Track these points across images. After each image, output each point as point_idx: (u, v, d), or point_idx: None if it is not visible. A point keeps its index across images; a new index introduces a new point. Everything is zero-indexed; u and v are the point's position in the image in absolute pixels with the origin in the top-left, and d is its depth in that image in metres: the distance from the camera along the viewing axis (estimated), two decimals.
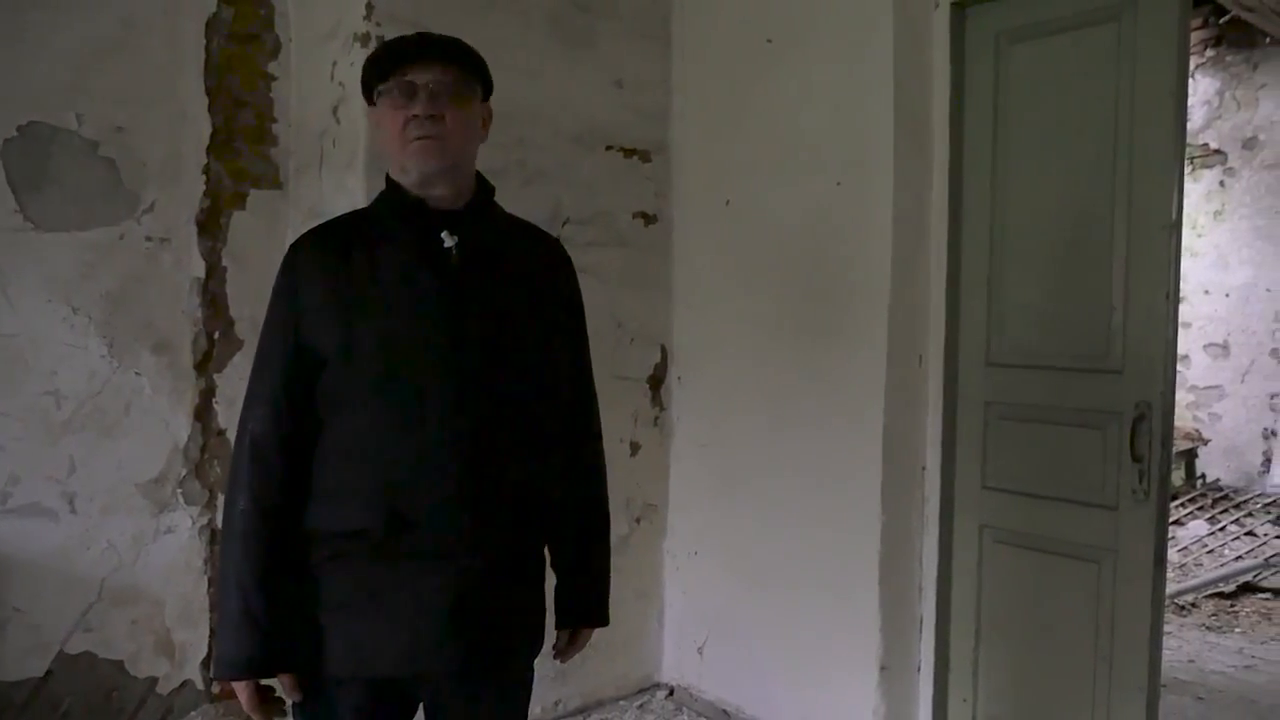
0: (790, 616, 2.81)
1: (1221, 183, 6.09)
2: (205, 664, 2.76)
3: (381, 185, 1.49)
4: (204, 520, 2.74)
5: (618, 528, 3.11)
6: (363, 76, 1.44)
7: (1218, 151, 6.10)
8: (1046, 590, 2.40)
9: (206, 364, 2.73)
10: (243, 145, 2.77)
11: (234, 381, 2.72)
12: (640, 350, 3.12)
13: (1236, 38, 5.97)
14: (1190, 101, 6.25)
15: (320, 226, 1.50)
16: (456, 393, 1.38)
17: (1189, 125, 6.35)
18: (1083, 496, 2.32)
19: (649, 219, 3.12)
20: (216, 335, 2.74)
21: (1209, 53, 6.11)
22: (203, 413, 2.73)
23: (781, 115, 2.79)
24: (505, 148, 2.74)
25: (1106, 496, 2.28)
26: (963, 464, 2.56)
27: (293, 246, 1.46)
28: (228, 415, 2.74)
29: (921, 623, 2.61)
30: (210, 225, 2.72)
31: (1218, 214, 6.13)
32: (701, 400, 3.12)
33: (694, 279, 3.13)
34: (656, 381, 3.17)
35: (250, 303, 2.75)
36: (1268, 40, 5.81)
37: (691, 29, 3.09)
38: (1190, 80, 6.21)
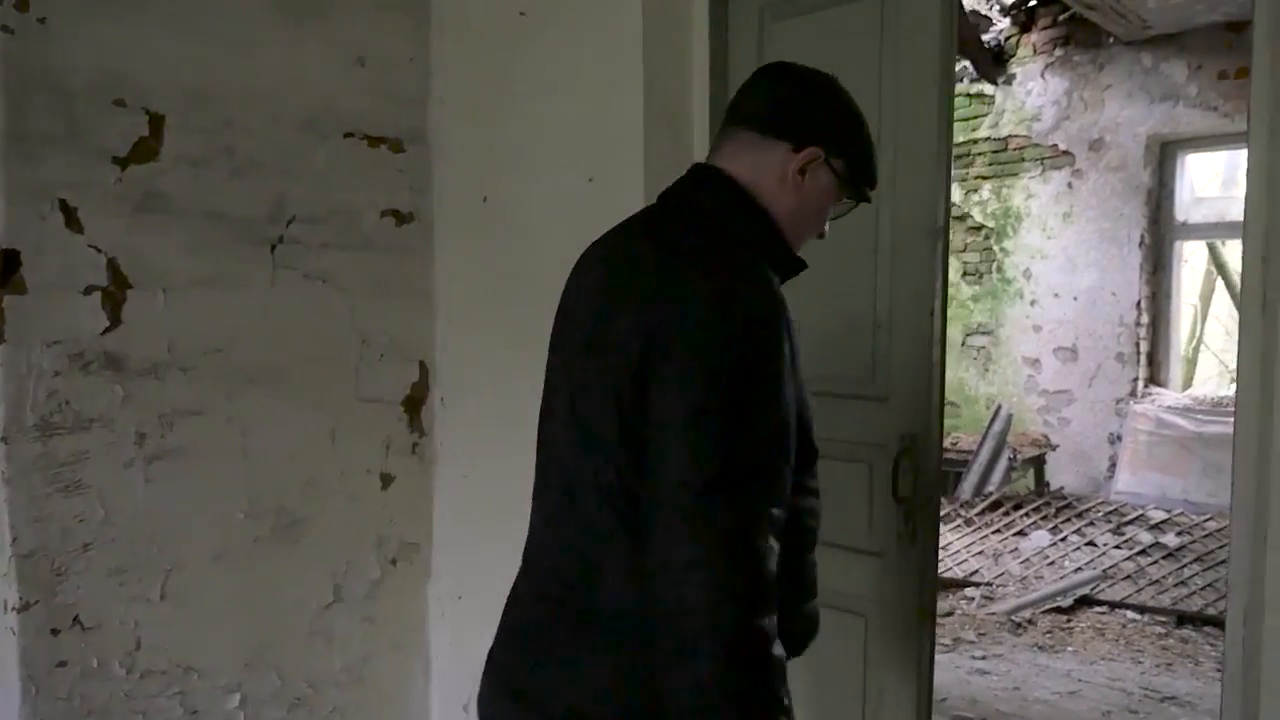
0: None
1: (1070, 185, 6.02)
2: None
3: None
4: None
5: (369, 571, 2.75)
6: (861, 159, 1.28)
7: (1066, 153, 6.03)
8: (814, 646, 2.10)
9: None
10: None
11: None
12: (393, 368, 2.73)
13: (1084, 37, 5.90)
14: (1039, 102, 6.18)
15: (763, 265, 1.21)
16: None
17: (1039, 126, 6.30)
18: (851, 541, 2.03)
19: (403, 218, 2.72)
20: None
21: (1057, 52, 6.03)
22: None
23: (535, 101, 2.43)
24: (206, 132, 2.31)
25: (873, 541, 1.99)
26: None
27: (774, 288, 1.18)
28: None
29: None
30: None
31: (1066, 216, 6.06)
32: (467, 424, 2.75)
33: (457, 287, 2.74)
34: (415, 404, 2.78)
35: None
36: (1112, 40, 5.75)
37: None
38: (1039, 79, 6.13)
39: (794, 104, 1.25)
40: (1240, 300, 1.48)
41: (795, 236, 1.28)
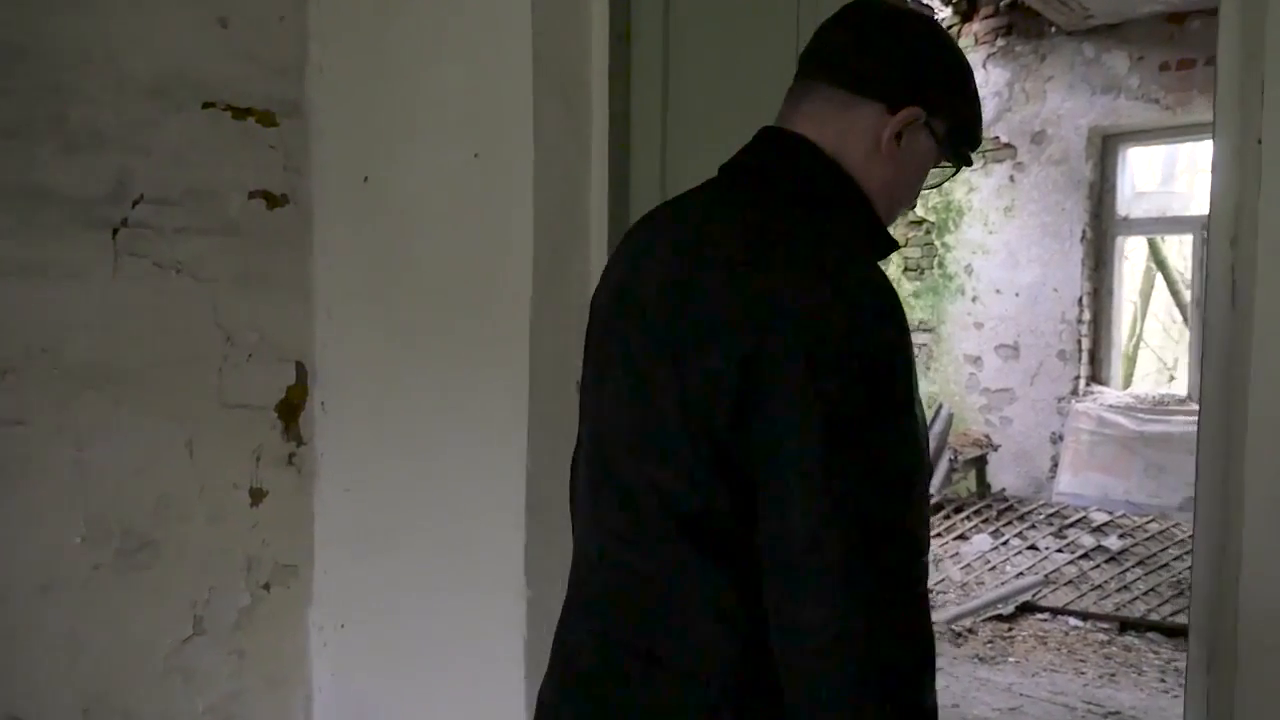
0: (437, 709, 2.20)
1: (1011, 178, 5.89)
2: None
3: None
4: None
5: (236, 599, 2.45)
6: (967, 119, 1.06)
7: (1008, 145, 5.89)
8: None
9: None
10: None
11: None
12: (264, 370, 2.42)
13: (1025, 27, 5.77)
14: (981, 93, 6.01)
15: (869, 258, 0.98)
16: None
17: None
18: None
19: (275, 200, 2.42)
20: None
21: (999, 42, 5.89)
22: None
23: (417, 68, 2.15)
24: (31, 97, 2.00)
25: None
26: None
27: (890, 290, 0.92)
28: None
29: None
30: None
31: (1008, 210, 5.92)
32: (351, 432, 2.45)
33: (339, 277, 2.45)
34: (291, 409, 2.48)
35: None
36: (1054, 30, 5.62)
37: None
38: (981, 70, 5.98)
39: (888, 54, 1.01)
40: (1206, 292, 1.27)
41: (887, 212, 1.05)
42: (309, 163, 2.46)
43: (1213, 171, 1.26)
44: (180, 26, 2.23)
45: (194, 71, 2.25)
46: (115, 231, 2.13)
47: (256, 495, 2.42)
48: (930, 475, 0.96)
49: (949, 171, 1.11)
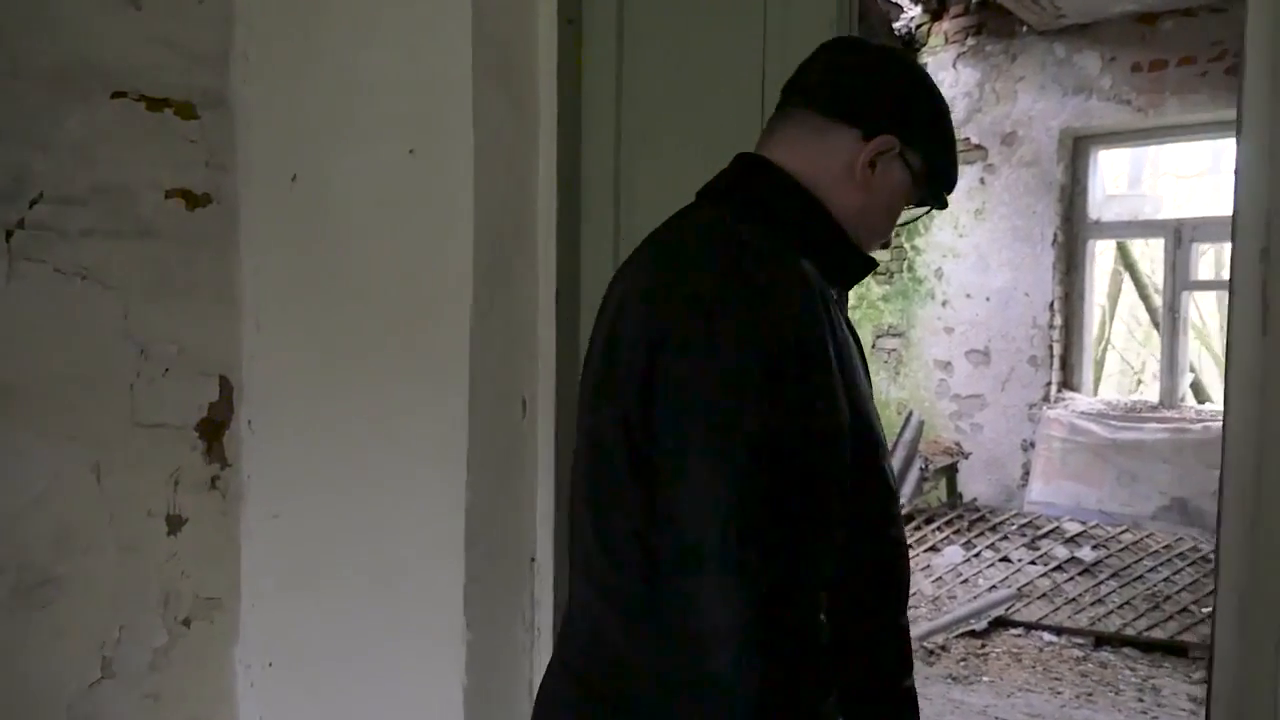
0: None
1: (982, 180, 5.77)
2: None
3: None
4: None
5: (152, 637, 2.23)
6: (941, 156, 1.07)
7: (979, 147, 5.78)
8: None
9: None
10: None
11: None
12: (183, 386, 2.20)
13: (996, 26, 5.66)
14: (951, 93, 5.91)
15: (797, 258, 0.96)
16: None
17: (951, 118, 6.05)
18: None
19: (196, 199, 2.21)
20: None
21: (969, 41, 5.77)
22: None
23: (348, 54, 1.96)
24: None
25: None
26: None
27: (804, 270, 0.94)
28: None
29: None
30: None
31: (979, 213, 5.81)
32: (280, 454, 2.25)
33: (268, 285, 2.24)
34: (214, 428, 2.26)
35: None
36: (1025, 30, 5.52)
37: None
38: (951, 70, 5.87)
39: (865, 82, 1.04)
40: (1228, 314, 1.11)
41: (861, 239, 1.06)
42: (234, 159, 2.25)
43: (1236, 175, 1.10)
44: (85, 7, 2.02)
45: (102, 57, 2.04)
46: (10, 234, 1.92)
47: (174, 523, 2.21)
48: (874, 471, 0.91)
49: (921, 210, 1.11)
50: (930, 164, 1.04)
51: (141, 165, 2.11)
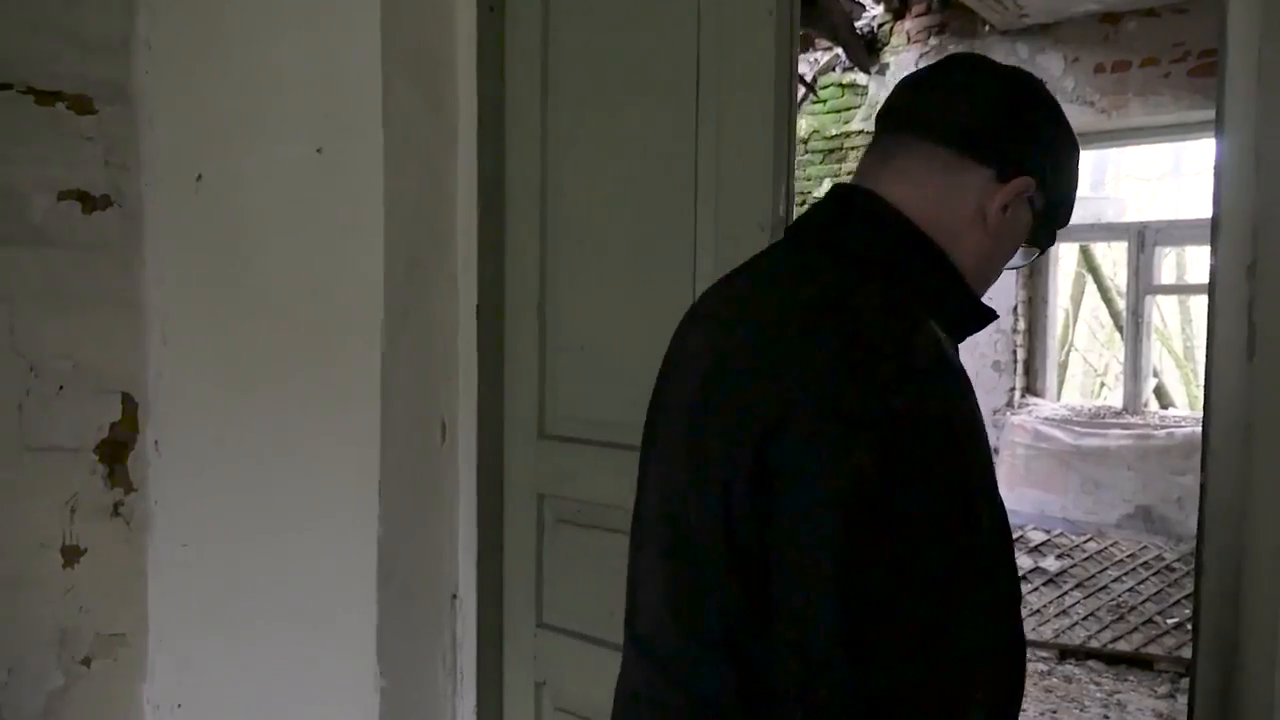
0: None
1: None
2: None
3: None
4: None
5: (45, 680, 2.05)
6: (1068, 198, 0.96)
7: None
8: None
9: None
10: None
11: None
12: (80, 404, 2.02)
13: (959, 26, 5.57)
14: None
15: (927, 320, 0.83)
16: None
17: None
18: None
19: (93, 202, 2.02)
20: None
21: (932, 41, 5.68)
22: None
23: (253, 43, 1.79)
24: None
25: None
26: (512, 591, 1.67)
27: (943, 346, 0.82)
28: None
29: None
30: None
31: None
32: (189, 477, 2.07)
33: (174, 295, 2.06)
34: (116, 450, 2.08)
35: None
36: (988, 29, 5.44)
37: None
38: (913, 69, 5.77)
39: (1003, 117, 0.91)
40: (1208, 335, 0.99)
41: (977, 287, 0.94)
42: (137, 157, 2.07)
43: (1216, 180, 0.98)
44: None
45: None
46: None
47: (71, 554, 2.03)
48: (1011, 577, 0.84)
49: (1033, 253, 1.00)
50: (1055, 205, 0.95)
51: (29, 164, 1.93)
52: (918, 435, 0.74)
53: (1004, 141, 0.90)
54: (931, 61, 5.06)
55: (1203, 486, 0.95)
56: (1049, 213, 0.94)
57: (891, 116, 0.95)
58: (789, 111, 1.35)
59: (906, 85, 0.97)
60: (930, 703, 0.72)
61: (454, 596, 1.68)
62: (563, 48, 1.58)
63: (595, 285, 1.55)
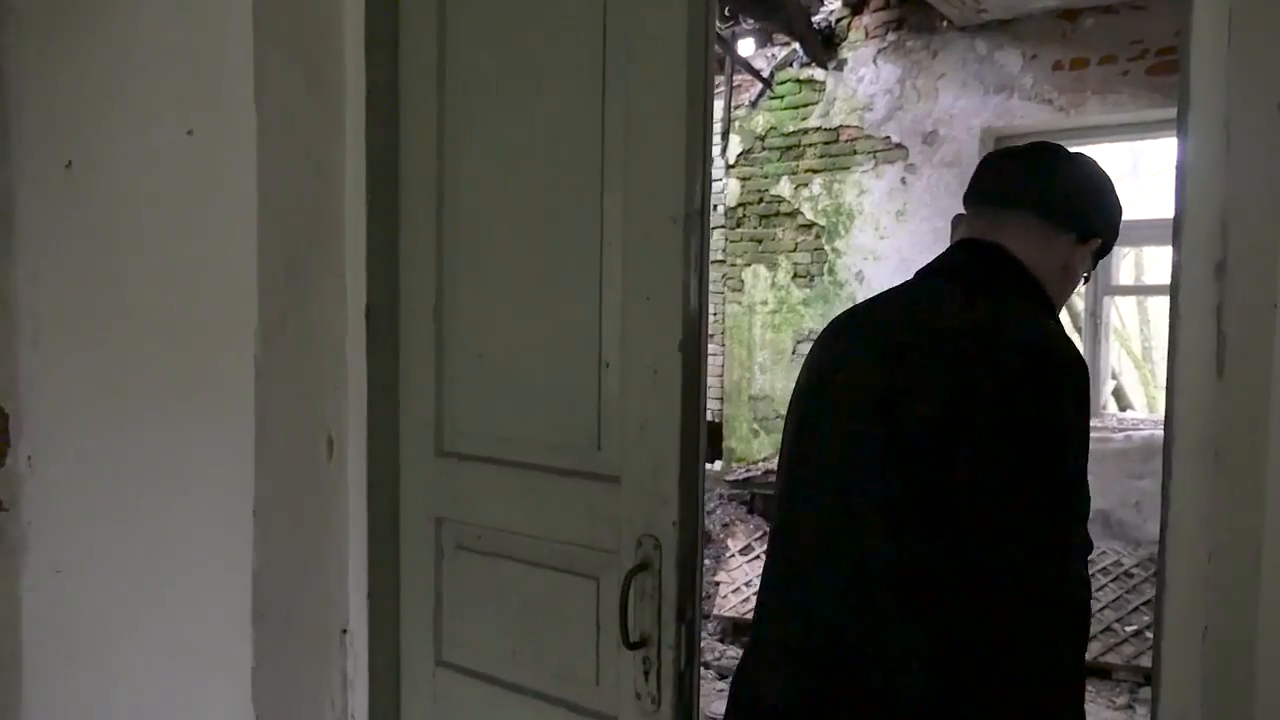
0: None
1: (903, 180, 5.58)
2: None
3: None
4: None
5: None
6: (1112, 242, 1.34)
7: (899, 146, 5.58)
8: None
9: None
10: None
11: None
12: None
13: (917, 21, 5.47)
14: (871, 90, 5.72)
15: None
16: None
17: (871, 116, 5.82)
18: (569, 694, 1.32)
19: None
20: None
21: (890, 37, 5.58)
22: None
23: (126, 12, 1.61)
24: None
25: (602, 698, 1.29)
26: (409, 625, 1.50)
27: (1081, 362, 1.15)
28: None
29: None
30: None
31: (900, 214, 5.62)
32: (65, 496, 1.88)
33: (47, 294, 1.87)
34: None
35: None
36: (946, 25, 5.34)
37: None
38: (872, 65, 5.67)
39: (1082, 197, 1.29)
40: (1170, 345, 0.85)
41: (1056, 309, 1.31)
42: (7, 142, 1.88)
43: (1179, 175, 0.84)
44: None
45: None
46: None
47: None
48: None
49: (1079, 283, 1.34)
50: (1107, 249, 1.32)
51: None
52: (1080, 406, 1.04)
53: (1085, 216, 1.27)
54: (889, 59, 4.88)
55: (1164, 498, 0.81)
56: (1099, 254, 1.31)
57: (993, 190, 1.32)
58: (704, 95, 1.20)
59: (1005, 168, 1.33)
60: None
61: (344, 631, 1.51)
62: (461, 26, 1.41)
63: (496, 285, 1.39)
